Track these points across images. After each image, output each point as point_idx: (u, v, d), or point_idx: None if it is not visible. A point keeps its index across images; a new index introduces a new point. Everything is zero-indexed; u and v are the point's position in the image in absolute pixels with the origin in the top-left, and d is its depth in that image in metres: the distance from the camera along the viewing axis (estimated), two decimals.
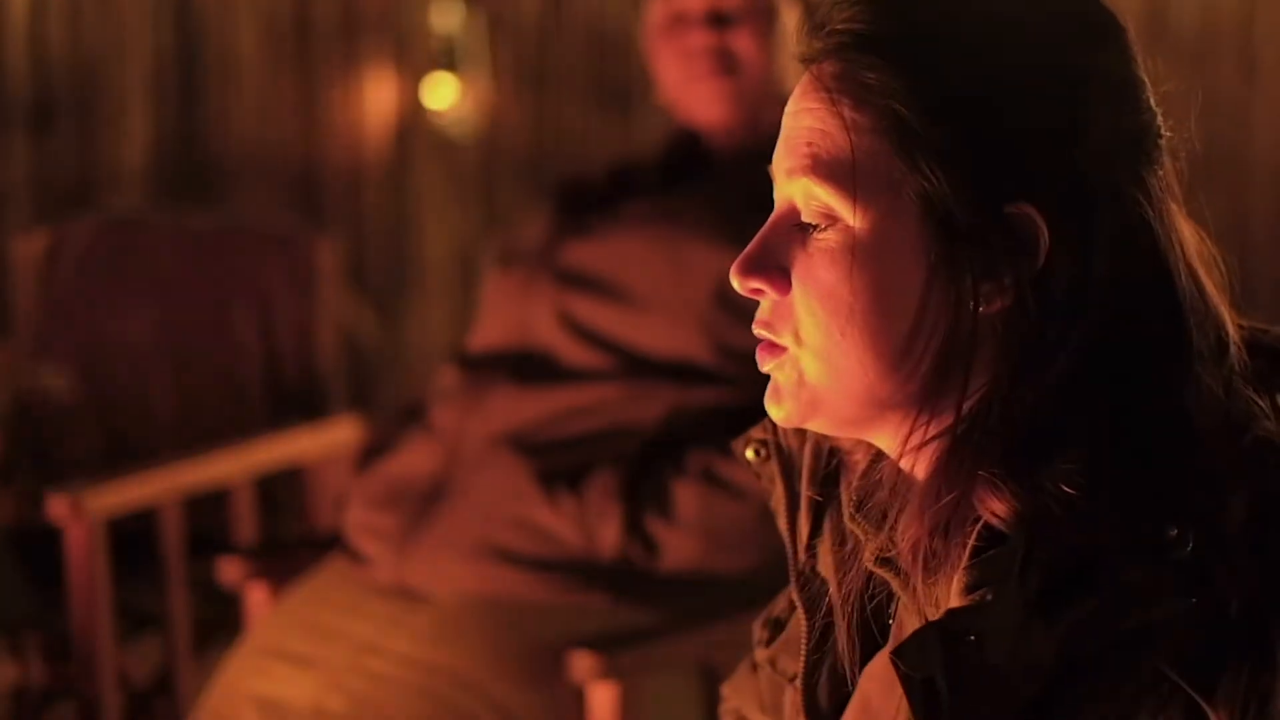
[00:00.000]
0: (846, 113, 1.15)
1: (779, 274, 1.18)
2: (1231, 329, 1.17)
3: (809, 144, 1.17)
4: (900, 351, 1.15)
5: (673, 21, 2.58)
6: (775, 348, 1.19)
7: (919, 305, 1.14)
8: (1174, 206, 1.18)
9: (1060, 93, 1.14)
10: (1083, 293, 1.13)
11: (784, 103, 1.18)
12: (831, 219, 1.16)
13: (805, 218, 1.17)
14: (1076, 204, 1.13)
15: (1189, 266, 1.16)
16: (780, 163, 1.19)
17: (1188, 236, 1.18)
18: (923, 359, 1.15)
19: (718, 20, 2.54)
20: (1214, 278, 1.18)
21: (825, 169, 1.16)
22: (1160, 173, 1.17)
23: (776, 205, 1.20)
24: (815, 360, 1.17)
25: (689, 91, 2.58)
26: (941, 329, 1.14)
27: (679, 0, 2.57)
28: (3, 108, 4.21)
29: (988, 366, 1.15)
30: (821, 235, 1.16)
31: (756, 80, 2.54)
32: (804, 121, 1.18)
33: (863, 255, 1.15)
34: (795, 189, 1.18)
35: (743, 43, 2.53)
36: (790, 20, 2.54)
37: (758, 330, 1.20)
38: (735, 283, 1.20)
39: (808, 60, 1.19)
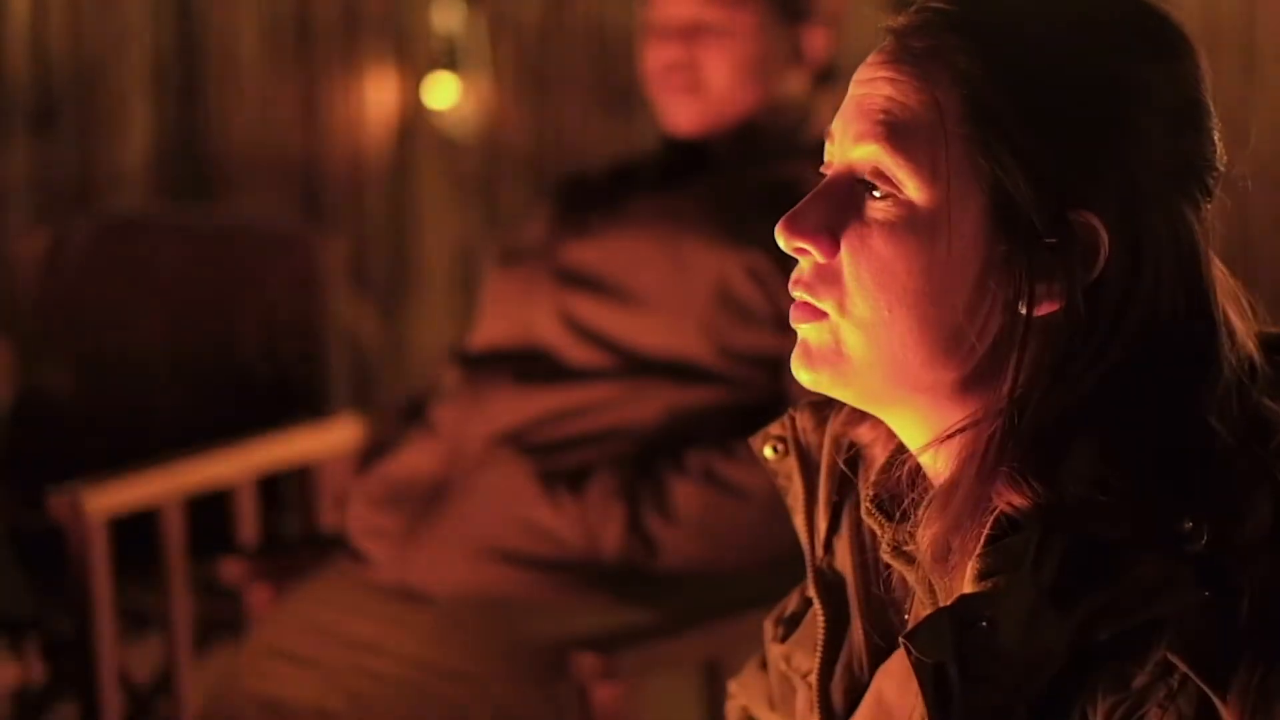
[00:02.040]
0: (930, 90, 1.14)
1: (827, 236, 1.16)
2: (1257, 354, 1.18)
3: (885, 112, 1.15)
4: (948, 341, 1.15)
5: (652, 28, 2.59)
6: (815, 310, 1.18)
7: (972, 297, 1.14)
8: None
9: (1137, 109, 1.14)
10: (1129, 306, 1.13)
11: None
12: (896, 191, 1.15)
13: (869, 186, 1.16)
14: (1136, 219, 1.13)
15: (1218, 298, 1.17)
16: (847, 126, 1.18)
17: (1217, 269, 1.18)
18: (970, 353, 1.15)
19: (693, 32, 2.54)
20: (1238, 309, 1.19)
21: (900, 139, 1.14)
22: (1209, 204, 1.17)
23: (834, 169, 1.19)
24: (857, 332, 1.16)
25: (657, 101, 2.60)
26: (992, 326, 1.14)
27: (660, 8, 2.58)
28: (4, 108, 4.21)
29: (1025, 367, 1.14)
30: (882, 206, 1.15)
31: (723, 97, 2.54)
32: (883, 90, 1.16)
33: (923, 234, 1.14)
34: (861, 153, 1.16)
35: (712, 57, 2.53)
36: (770, 32, 2.54)
37: (796, 291, 1.18)
38: (780, 240, 1.18)
39: (893, 31, 1.17)
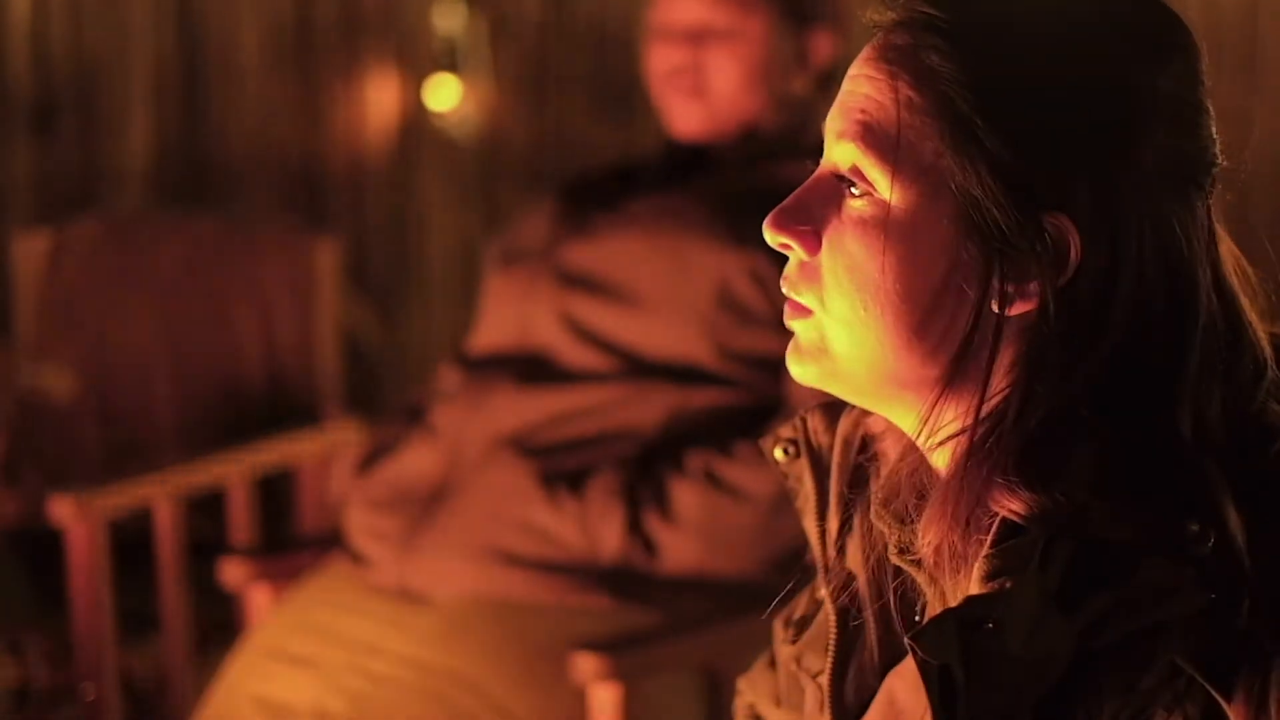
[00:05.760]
0: (903, 89, 1.15)
1: (810, 233, 1.19)
2: (1269, 353, 1.18)
3: (862, 110, 1.17)
4: (923, 339, 1.16)
5: (658, 31, 2.59)
6: (802, 308, 1.20)
7: (941, 294, 1.15)
8: (1220, 231, 1.18)
9: (1118, 111, 1.14)
10: (1107, 310, 1.13)
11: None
12: (869, 190, 1.16)
13: (845, 184, 1.18)
14: (1113, 223, 1.13)
15: (1230, 291, 1.17)
16: (832, 124, 1.20)
17: (1230, 261, 1.18)
18: (941, 347, 1.15)
19: (700, 35, 2.53)
20: (1253, 303, 1.19)
21: (873, 138, 1.16)
22: (1208, 201, 1.17)
23: (821, 166, 1.20)
24: (838, 327, 1.18)
25: (662, 103, 2.60)
26: (961, 323, 1.15)
27: (666, 10, 2.58)
28: (5, 108, 4.21)
29: (1009, 369, 1.15)
30: (857, 204, 1.17)
31: (728, 101, 2.54)
32: (862, 88, 1.18)
33: (893, 233, 1.15)
34: (841, 153, 1.18)
35: (718, 61, 2.53)
36: (777, 36, 2.54)
37: (784, 286, 1.21)
38: (766, 235, 1.20)
39: (877, 28, 1.19)
